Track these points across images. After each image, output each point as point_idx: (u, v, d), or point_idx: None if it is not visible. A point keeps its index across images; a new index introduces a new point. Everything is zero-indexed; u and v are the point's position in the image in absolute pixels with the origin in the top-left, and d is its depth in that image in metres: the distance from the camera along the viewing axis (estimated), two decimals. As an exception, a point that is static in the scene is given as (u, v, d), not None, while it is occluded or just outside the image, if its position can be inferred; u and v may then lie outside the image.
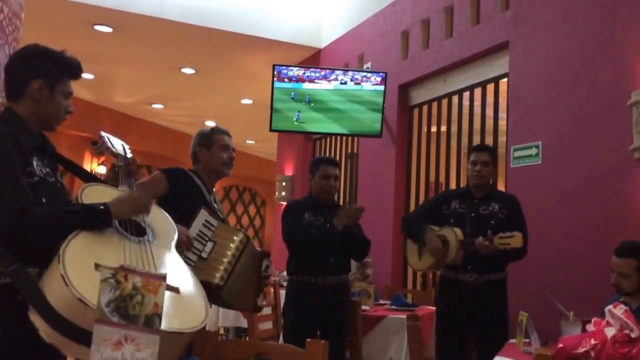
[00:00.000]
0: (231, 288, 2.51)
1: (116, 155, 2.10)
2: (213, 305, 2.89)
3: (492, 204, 3.40)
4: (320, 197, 3.62)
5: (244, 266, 2.57)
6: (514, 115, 4.25)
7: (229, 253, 2.52)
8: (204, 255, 2.49)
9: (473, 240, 3.23)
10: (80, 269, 1.52)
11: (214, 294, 2.48)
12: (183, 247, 2.40)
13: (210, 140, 2.89)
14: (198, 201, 2.65)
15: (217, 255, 2.51)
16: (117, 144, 2.16)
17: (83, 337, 1.44)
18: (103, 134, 2.15)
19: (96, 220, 1.71)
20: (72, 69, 1.92)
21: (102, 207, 1.73)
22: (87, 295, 1.44)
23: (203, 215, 2.55)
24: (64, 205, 1.80)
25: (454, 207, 3.49)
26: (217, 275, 2.46)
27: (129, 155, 2.16)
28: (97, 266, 1.52)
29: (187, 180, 2.79)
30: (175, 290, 1.56)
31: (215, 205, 2.83)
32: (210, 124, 11.33)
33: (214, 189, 2.96)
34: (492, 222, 3.34)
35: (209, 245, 2.51)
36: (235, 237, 2.57)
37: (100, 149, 2.15)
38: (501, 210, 3.38)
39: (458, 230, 3.33)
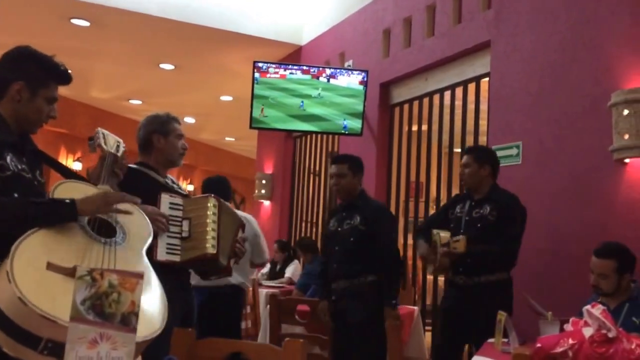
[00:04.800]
0: (224, 250, 2.53)
1: (105, 152, 2.06)
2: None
3: (484, 207, 3.33)
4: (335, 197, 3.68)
5: (226, 226, 2.57)
6: (495, 115, 4.27)
7: (209, 221, 2.48)
8: (184, 234, 2.46)
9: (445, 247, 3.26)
10: (30, 267, 1.46)
11: (212, 265, 2.51)
12: (161, 226, 2.38)
13: (168, 128, 2.73)
14: (153, 190, 2.53)
15: (198, 228, 2.48)
16: (112, 141, 2.12)
17: (25, 339, 1.38)
18: (100, 130, 2.12)
19: (60, 213, 1.66)
20: (59, 74, 1.89)
21: (68, 201, 1.68)
22: (30, 294, 1.38)
23: (165, 199, 2.49)
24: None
25: (456, 211, 3.46)
26: (208, 245, 2.44)
27: (121, 153, 2.12)
28: (49, 265, 1.47)
29: (135, 176, 2.58)
30: None
31: (174, 185, 2.73)
32: (190, 120, 11.24)
33: (170, 176, 2.85)
34: (479, 225, 3.31)
35: (185, 223, 2.48)
36: (208, 204, 2.53)
37: (93, 145, 2.10)
38: (492, 212, 3.29)
39: (444, 235, 3.29)
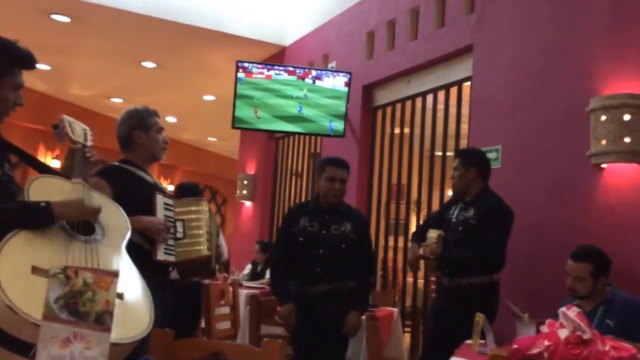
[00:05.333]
0: (214, 252, 2.61)
1: (74, 143, 2.02)
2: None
3: (469, 210, 3.36)
4: (325, 200, 3.44)
5: (213, 229, 2.66)
6: (476, 118, 4.30)
7: (201, 224, 2.56)
8: (179, 235, 2.51)
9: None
10: (15, 273, 1.43)
11: (203, 267, 2.58)
12: (163, 236, 2.43)
13: (148, 123, 2.70)
14: (146, 190, 2.56)
15: (192, 230, 2.54)
16: (79, 129, 2.08)
17: (15, 346, 1.36)
18: (65, 117, 2.06)
19: (36, 219, 1.62)
20: (24, 60, 1.82)
21: (43, 204, 1.63)
22: (19, 302, 1.36)
23: (160, 199, 2.52)
24: (7, 200, 1.71)
25: (450, 213, 3.50)
26: (203, 247, 2.51)
27: (89, 142, 2.08)
28: (34, 269, 1.44)
29: (127, 176, 2.62)
30: (119, 296, 1.49)
31: (160, 185, 2.77)
32: (172, 120, 11.16)
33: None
34: (461, 228, 3.35)
35: (179, 224, 2.53)
36: (199, 207, 2.61)
37: (59, 134, 2.05)
38: (474, 216, 3.31)
39: (431, 236, 3.36)
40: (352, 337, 3.42)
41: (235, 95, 5.66)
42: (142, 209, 2.38)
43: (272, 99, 5.68)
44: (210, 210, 2.68)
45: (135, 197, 2.37)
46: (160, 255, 2.43)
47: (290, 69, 5.79)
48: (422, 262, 3.56)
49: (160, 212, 2.49)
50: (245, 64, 5.72)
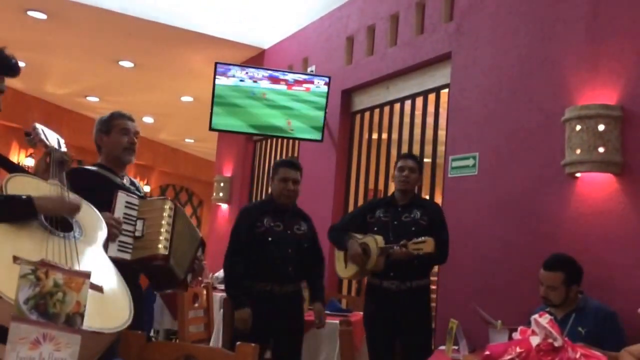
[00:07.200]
0: (175, 254, 2.51)
1: (49, 148, 2.02)
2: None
3: (414, 212, 3.51)
4: (279, 200, 3.54)
5: (183, 235, 2.58)
6: (453, 125, 4.33)
7: (163, 222, 2.49)
8: (137, 234, 2.46)
9: (392, 247, 3.33)
10: None
11: (164, 269, 2.48)
12: (115, 232, 2.36)
13: (109, 125, 2.74)
14: (109, 189, 2.53)
15: (151, 228, 2.48)
16: (52, 137, 2.08)
17: (3, 336, 1.34)
18: (37, 125, 2.07)
19: (18, 211, 1.64)
20: (10, 68, 1.87)
21: (24, 197, 1.66)
22: (2, 287, 1.36)
23: (121, 197, 2.48)
24: None
25: (378, 216, 3.59)
26: (160, 245, 2.44)
27: (64, 149, 2.09)
28: (16, 259, 1.45)
29: (89, 176, 2.62)
30: (99, 289, 1.50)
31: (131, 187, 2.72)
32: (148, 120, 11.06)
33: (128, 176, 2.84)
34: (413, 228, 3.44)
35: (139, 223, 2.48)
36: (164, 206, 2.54)
37: (33, 141, 2.06)
38: (422, 217, 3.49)
39: (379, 238, 3.40)
40: (322, 327, 3.59)
41: (214, 97, 5.62)
42: (101, 207, 2.33)
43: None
44: (178, 213, 2.58)
45: (95, 197, 2.32)
46: (112, 252, 2.34)
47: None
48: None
49: (119, 210, 2.44)
50: (224, 66, 5.69)
